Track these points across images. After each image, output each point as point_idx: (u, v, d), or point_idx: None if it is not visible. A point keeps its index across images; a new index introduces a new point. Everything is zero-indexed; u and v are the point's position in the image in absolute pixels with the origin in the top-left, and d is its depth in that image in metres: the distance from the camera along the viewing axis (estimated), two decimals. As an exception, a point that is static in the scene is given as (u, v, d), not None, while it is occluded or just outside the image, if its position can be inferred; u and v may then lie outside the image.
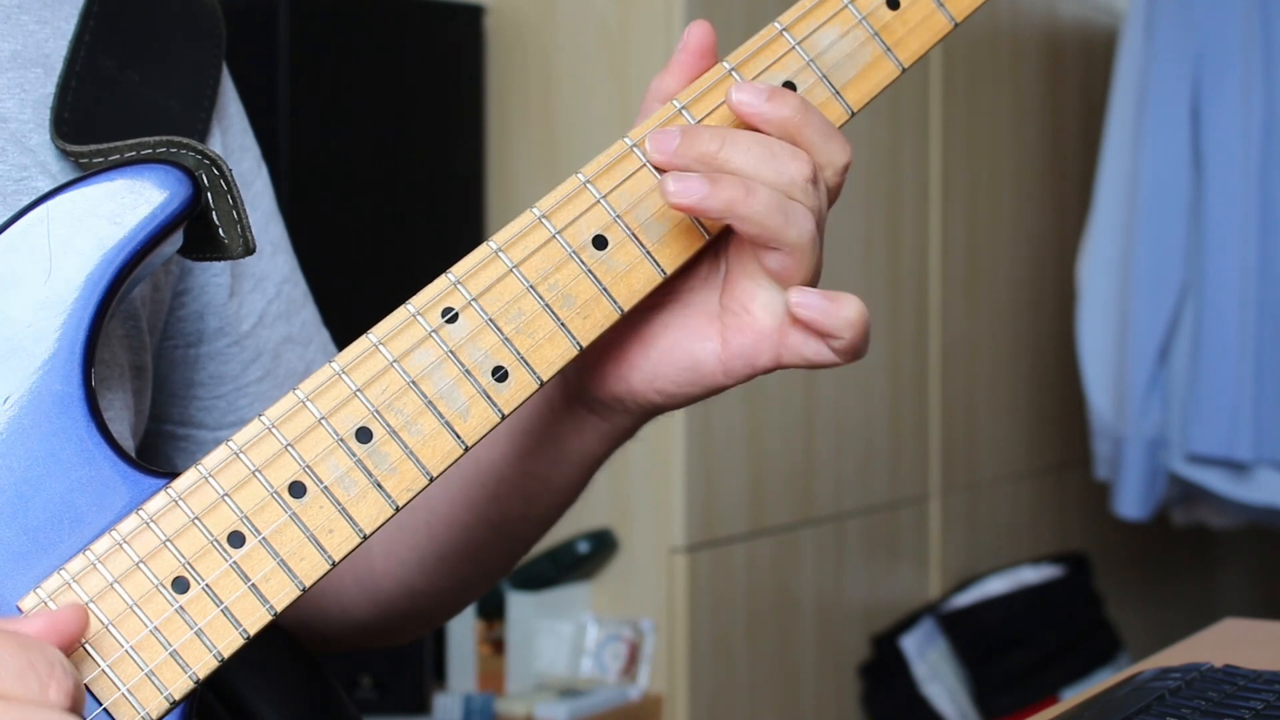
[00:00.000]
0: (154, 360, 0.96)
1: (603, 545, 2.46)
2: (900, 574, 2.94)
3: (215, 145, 0.96)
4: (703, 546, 2.47)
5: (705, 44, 0.84)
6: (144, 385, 0.93)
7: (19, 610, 0.72)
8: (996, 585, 3.01)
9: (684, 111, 0.82)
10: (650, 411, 0.87)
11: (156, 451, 1.00)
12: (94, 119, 0.87)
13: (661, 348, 0.84)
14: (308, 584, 0.75)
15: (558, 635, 2.48)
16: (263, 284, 1.00)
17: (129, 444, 0.89)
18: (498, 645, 2.46)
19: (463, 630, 2.43)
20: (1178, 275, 2.85)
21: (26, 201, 0.84)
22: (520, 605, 2.43)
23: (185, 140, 0.81)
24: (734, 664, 2.55)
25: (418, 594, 1.00)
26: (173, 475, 0.75)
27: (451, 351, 0.77)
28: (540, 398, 0.89)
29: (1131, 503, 2.90)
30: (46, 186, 0.86)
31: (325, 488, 0.75)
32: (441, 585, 1.00)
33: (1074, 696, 0.99)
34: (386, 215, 2.41)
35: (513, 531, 0.96)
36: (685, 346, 0.84)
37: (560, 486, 0.93)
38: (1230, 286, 2.81)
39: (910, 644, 2.87)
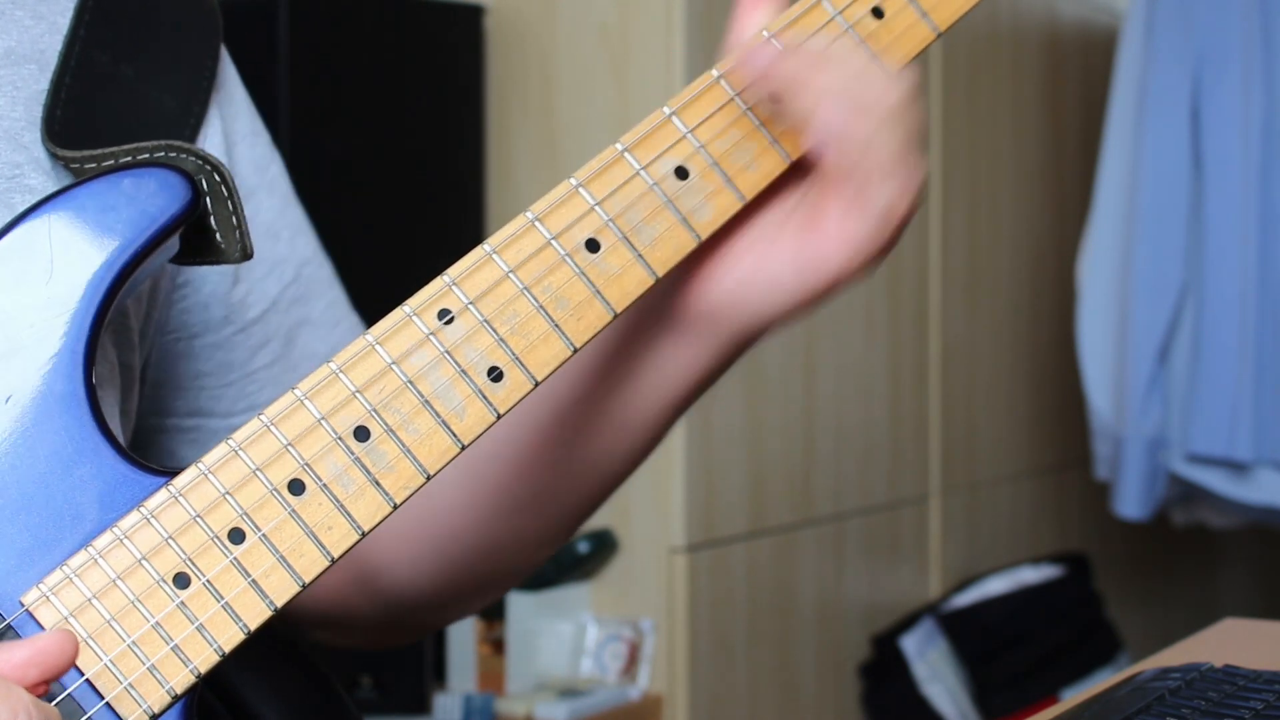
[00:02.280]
0: (155, 355, 0.96)
1: (603, 545, 2.46)
2: (900, 574, 2.94)
3: (214, 134, 0.96)
4: (703, 546, 2.47)
5: None
6: (130, 382, 0.93)
7: (21, 604, 0.73)
8: (996, 585, 3.01)
9: (674, 118, 0.83)
10: (740, 333, 0.87)
11: (160, 447, 0.99)
12: (87, 119, 0.88)
13: (758, 253, 0.85)
14: (307, 580, 0.75)
15: (558, 635, 2.49)
16: (279, 268, 1.00)
17: (120, 440, 0.90)
18: (498, 645, 2.46)
19: (463, 630, 2.44)
20: (1178, 275, 2.85)
21: (19, 198, 0.85)
22: (520, 605, 2.43)
23: (184, 145, 0.81)
24: (734, 664, 2.55)
25: (489, 553, 0.98)
26: (173, 473, 0.75)
27: (447, 351, 0.78)
28: (627, 323, 0.89)
29: (1131, 503, 2.90)
30: (40, 183, 0.86)
31: (324, 485, 0.76)
32: (519, 538, 0.97)
33: (1074, 696, 0.99)
34: (386, 215, 2.41)
35: (597, 470, 0.94)
36: (781, 253, 0.84)
37: (642, 424, 0.91)
38: (1230, 286, 2.81)
39: (910, 644, 2.87)
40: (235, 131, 0.98)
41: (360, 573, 0.99)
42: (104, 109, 0.89)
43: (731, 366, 0.91)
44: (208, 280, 0.96)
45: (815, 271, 0.84)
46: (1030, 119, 3.25)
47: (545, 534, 0.98)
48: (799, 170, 0.86)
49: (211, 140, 0.96)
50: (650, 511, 2.44)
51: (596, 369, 0.90)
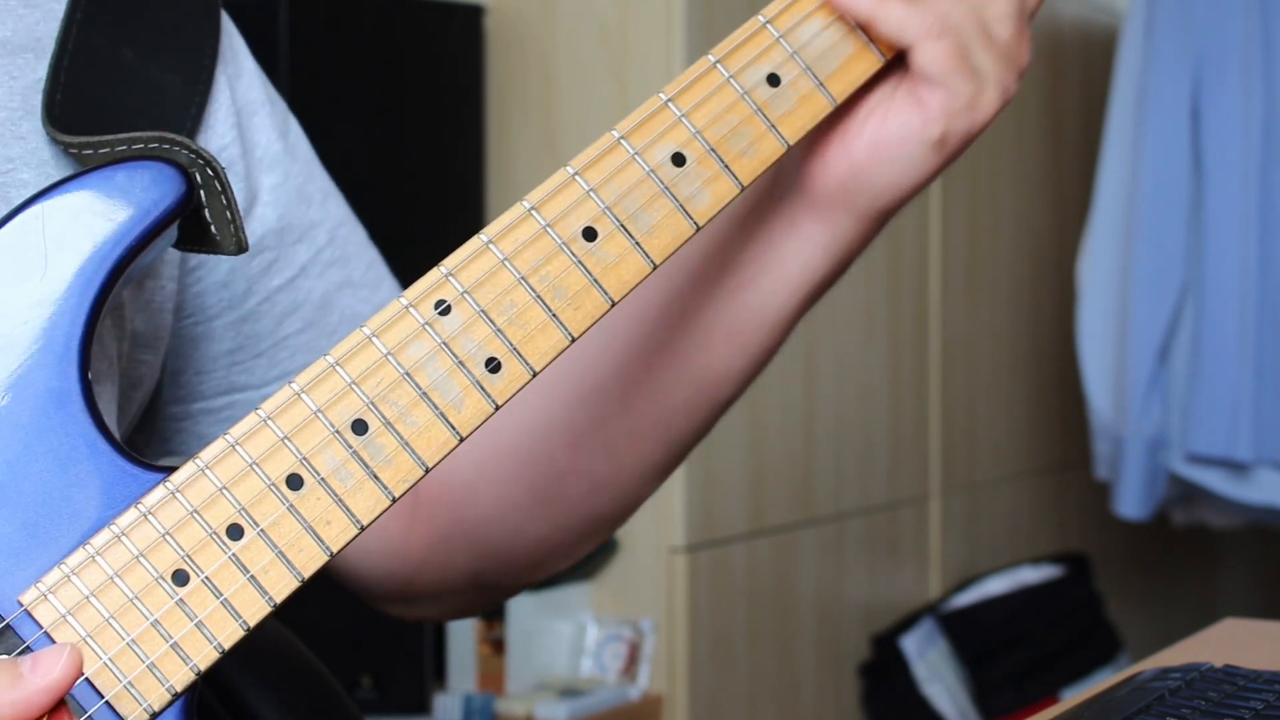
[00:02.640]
0: (170, 343, 0.95)
1: (603, 545, 2.46)
2: (900, 574, 2.94)
3: (222, 108, 0.95)
4: (703, 546, 2.47)
5: None
6: (127, 378, 0.92)
7: (19, 604, 0.72)
8: (996, 585, 3.01)
9: (670, 104, 0.83)
10: (876, 204, 0.87)
11: (189, 434, 0.99)
12: (88, 102, 0.87)
13: (874, 122, 0.86)
14: (306, 575, 0.75)
15: (558, 635, 2.49)
16: (311, 233, 0.98)
17: (115, 431, 0.89)
18: (498, 645, 2.46)
19: (463, 630, 2.43)
20: (1178, 275, 2.85)
21: (13, 193, 0.84)
22: (520, 605, 2.43)
23: (179, 138, 0.80)
24: (734, 664, 2.55)
25: (600, 488, 0.96)
26: (171, 469, 0.75)
27: (444, 343, 0.78)
28: (763, 209, 0.89)
29: (1131, 503, 2.90)
30: (33, 178, 0.86)
31: (322, 479, 0.75)
32: (627, 471, 0.95)
33: (1074, 696, 0.99)
34: (387, 214, 2.41)
35: (712, 390, 0.92)
36: (893, 117, 0.85)
37: (770, 321, 0.91)
38: (1230, 286, 2.81)
39: (910, 644, 2.87)
40: (250, 100, 0.97)
41: (460, 524, 0.98)
42: (106, 93, 0.88)
43: (864, 250, 0.90)
44: (224, 259, 0.95)
45: (936, 122, 0.85)
46: (1030, 119, 3.25)
47: (666, 457, 0.96)
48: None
49: (220, 113, 0.95)
50: (650, 511, 2.43)
51: (726, 260, 0.90)
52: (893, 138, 0.85)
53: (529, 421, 0.95)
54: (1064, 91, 3.36)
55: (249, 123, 0.97)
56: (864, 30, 0.85)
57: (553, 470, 0.96)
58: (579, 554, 1.02)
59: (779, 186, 0.88)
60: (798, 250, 0.88)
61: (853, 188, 0.86)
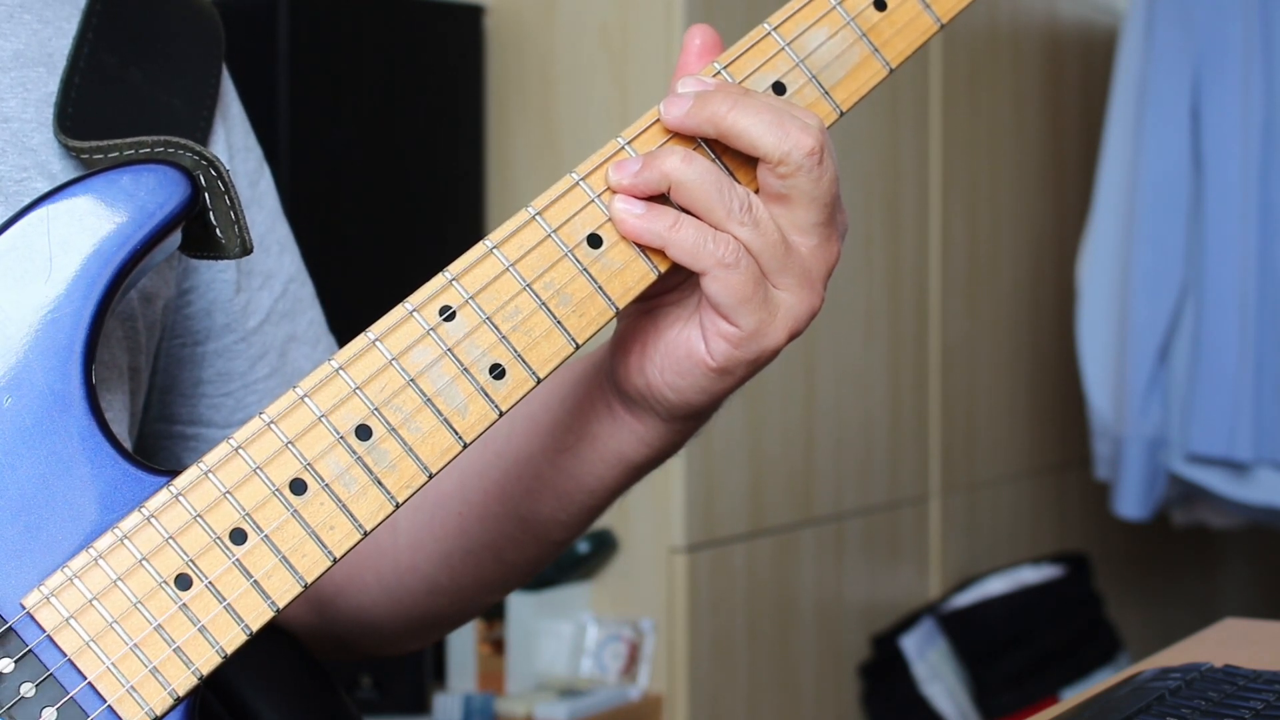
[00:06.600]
0: (161, 360, 0.97)
1: (602, 545, 2.46)
2: (900, 574, 2.94)
3: (219, 144, 0.97)
4: (703, 546, 2.47)
5: (707, 44, 0.85)
6: (139, 386, 0.93)
7: (22, 607, 0.72)
8: (996, 585, 3.01)
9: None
10: (673, 412, 0.86)
11: (167, 453, 1.00)
12: (98, 114, 0.88)
13: (668, 338, 0.84)
14: (309, 580, 0.75)
15: (558, 635, 2.49)
16: (270, 282, 1.00)
17: (127, 444, 0.90)
18: (498, 645, 2.46)
19: (463, 630, 2.43)
20: (1178, 275, 2.85)
21: (26, 203, 0.84)
22: (520, 605, 2.43)
23: (183, 141, 0.81)
24: (734, 664, 2.55)
25: (438, 592, 0.99)
26: (174, 473, 0.75)
27: (449, 349, 0.78)
28: (580, 389, 0.89)
29: (1131, 503, 2.90)
30: (45, 189, 0.86)
31: (326, 485, 0.75)
32: (462, 583, 0.98)
33: (1074, 696, 0.99)
34: (386, 215, 2.41)
35: (541, 532, 0.95)
36: (684, 336, 0.84)
37: (592, 488, 0.91)
38: (1230, 286, 2.81)
39: (910, 644, 2.87)
40: (234, 143, 0.99)
41: (317, 589, 1.00)
42: (114, 107, 0.89)
43: (684, 443, 0.89)
44: (211, 286, 0.97)
45: (720, 351, 0.83)
46: (1030, 119, 3.25)
47: (503, 578, 0.99)
48: None
49: (217, 148, 0.97)
50: (650, 511, 2.44)
51: (561, 429, 0.90)
52: (679, 361, 0.83)
53: (409, 540, 0.99)
54: (1064, 91, 3.36)
55: (230, 166, 0.98)
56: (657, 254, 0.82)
57: (396, 564, 0.99)
58: (426, 642, 1.07)
59: (601, 371, 0.89)
60: (613, 433, 0.89)
61: (649, 397, 0.85)
